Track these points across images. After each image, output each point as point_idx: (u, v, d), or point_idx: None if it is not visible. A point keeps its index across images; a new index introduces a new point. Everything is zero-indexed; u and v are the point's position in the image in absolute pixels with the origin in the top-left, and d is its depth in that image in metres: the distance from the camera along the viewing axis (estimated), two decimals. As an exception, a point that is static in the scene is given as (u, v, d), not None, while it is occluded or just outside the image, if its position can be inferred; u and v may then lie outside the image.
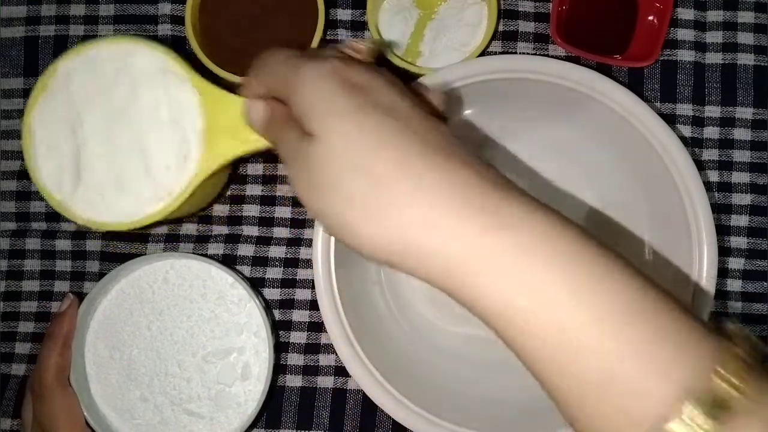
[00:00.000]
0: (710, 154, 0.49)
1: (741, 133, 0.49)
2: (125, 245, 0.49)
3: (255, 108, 0.33)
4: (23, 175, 0.50)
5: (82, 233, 0.50)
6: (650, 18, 0.48)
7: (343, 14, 0.50)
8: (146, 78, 0.38)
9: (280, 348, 0.49)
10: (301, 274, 0.49)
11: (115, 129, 0.38)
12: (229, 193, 0.50)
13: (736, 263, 0.49)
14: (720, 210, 0.49)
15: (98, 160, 0.38)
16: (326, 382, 0.49)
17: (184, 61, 0.39)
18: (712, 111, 0.49)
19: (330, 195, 0.27)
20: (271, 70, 0.32)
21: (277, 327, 0.49)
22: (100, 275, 0.48)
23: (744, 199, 0.49)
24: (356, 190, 0.27)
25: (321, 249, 0.42)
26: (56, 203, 0.39)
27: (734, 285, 0.49)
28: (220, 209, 0.50)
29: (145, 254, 0.48)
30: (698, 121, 0.49)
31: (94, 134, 0.38)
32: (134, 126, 0.38)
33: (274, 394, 0.48)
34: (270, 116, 0.32)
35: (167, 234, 0.50)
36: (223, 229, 0.49)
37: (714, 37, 0.49)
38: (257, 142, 0.36)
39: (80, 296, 0.46)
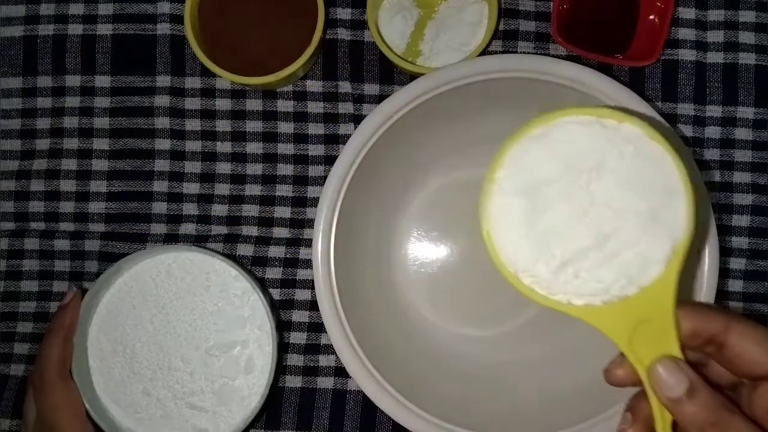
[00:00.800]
0: (711, 154, 0.49)
1: (742, 133, 0.49)
2: (124, 245, 0.49)
3: (693, 390, 0.27)
4: (22, 174, 0.50)
5: (80, 233, 0.50)
6: (651, 17, 0.48)
7: (343, 13, 0.50)
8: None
9: (280, 348, 0.49)
10: (301, 274, 0.49)
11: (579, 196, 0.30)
12: (228, 193, 0.50)
13: (737, 263, 0.49)
14: (721, 210, 0.49)
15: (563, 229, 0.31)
16: (326, 383, 0.48)
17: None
18: (714, 111, 0.49)
19: None
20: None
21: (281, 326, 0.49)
22: (99, 275, 0.47)
23: (745, 199, 0.49)
24: None
25: (321, 249, 0.42)
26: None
27: (735, 285, 0.49)
28: (220, 209, 0.49)
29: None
30: (699, 121, 0.49)
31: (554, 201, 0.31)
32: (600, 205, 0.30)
33: (277, 388, 0.48)
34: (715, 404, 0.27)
35: (166, 234, 0.49)
36: (222, 229, 0.49)
37: (715, 36, 0.49)
38: (640, 369, 0.29)
39: (82, 291, 0.46)
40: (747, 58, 0.49)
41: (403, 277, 0.47)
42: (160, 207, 0.50)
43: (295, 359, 0.49)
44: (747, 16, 0.49)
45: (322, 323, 0.42)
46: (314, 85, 0.49)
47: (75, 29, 0.50)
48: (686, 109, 0.49)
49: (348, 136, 0.42)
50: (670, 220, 0.29)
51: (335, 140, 0.49)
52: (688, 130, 0.49)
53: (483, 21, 0.47)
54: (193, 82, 0.50)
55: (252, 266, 0.49)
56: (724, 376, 0.30)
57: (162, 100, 0.50)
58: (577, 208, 0.30)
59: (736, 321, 0.28)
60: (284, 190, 0.49)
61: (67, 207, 0.50)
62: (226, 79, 0.46)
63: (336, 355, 0.42)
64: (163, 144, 0.50)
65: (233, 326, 0.46)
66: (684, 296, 0.40)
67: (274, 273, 0.49)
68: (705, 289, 0.41)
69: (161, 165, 0.50)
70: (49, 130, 0.50)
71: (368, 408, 0.48)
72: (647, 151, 0.30)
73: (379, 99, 0.49)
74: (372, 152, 0.42)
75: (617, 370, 0.30)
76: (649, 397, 0.28)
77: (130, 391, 0.46)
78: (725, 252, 0.48)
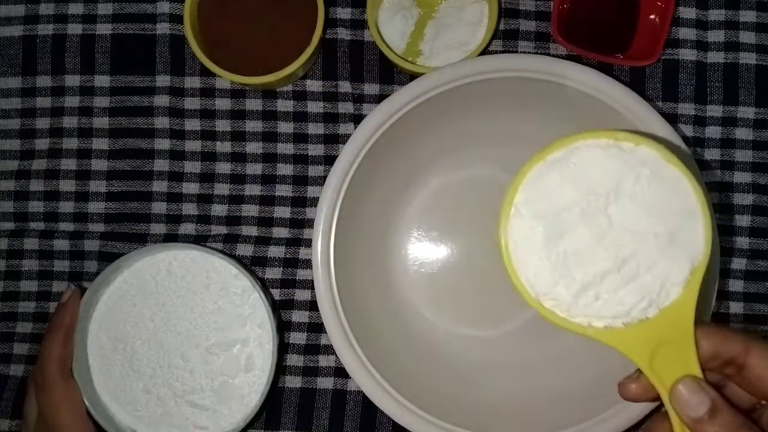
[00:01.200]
0: (712, 154, 0.49)
1: (743, 133, 0.49)
2: (123, 245, 0.49)
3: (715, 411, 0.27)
4: (21, 174, 0.50)
5: (80, 233, 0.49)
6: (652, 17, 0.48)
7: (343, 13, 0.49)
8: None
9: (280, 349, 0.48)
10: (301, 274, 0.49)
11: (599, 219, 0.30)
12: (228, 193, 0.49)
13: (738, 263, 0.49)
14: (722, 210, 0.49)
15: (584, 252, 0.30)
16: (326, 383, 0.48)
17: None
18: (714, 110, 0.49)
19: None
20: None
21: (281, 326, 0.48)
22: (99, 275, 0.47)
23: (746, 199, 0.49)
24: None
25: (321, 249, 0.41)
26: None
27: (736, 285, 0.49)
28: (219, 209, 0.49)
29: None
30: (700, 121, 0.49)
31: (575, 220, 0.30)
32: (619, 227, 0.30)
33: (277, 388, 0.48)
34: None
35: (166, 234, 0.49)
36: (222, 229, 0.49)
37: (716, 36, 0.49)
38: (663, 391, 0.29)
39: (81, 289, 0.45)
40: (748, 58, 0.49)
41: (403, 277, 0.47)
42: (159, 207, 0.49)
43: (295, 359, 0.48)
44: (747, 15, 0.49)
45: (322, 323, 0.42)
46: (314, 85, 0.49)
47: (74, 29, 0.50)
48: (687, 108, 0.49)
49: (348, 136, 0.42)
50: (688, 242, 0.29)
51: (335, 140, 0.49)
52: (688, 130, 0.49)
53: (483, 20, 0.47)
54: (192, 82, 0.50)
55: (252, 266, 0.49)
56: (743, 398, 0.31)
57: (161, 100, 0.49)
58: (596, 231, 0.30)
59: (756, 343, 0.28)
60: (284, 190, 0.49)
61: (66, 207, 0.50)
62: (225, 78, 0.46)
63: (336, 355, 0.42)
64: (163, 144, 0.50)
65: (233, 324, 0.46)
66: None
67: (273, 273, 0.49)
68: (705, 290, 0.41)
69: (161, 165, 0.50)
70: (48, 130, 0.50)
71: (368, 408, 0.48)
72: (664, 173, 0.30)
73: (379, 99, 0.49)
74: (372, 152, 0.42)
75: (631, 384, 0.30)
76: (671, 417, 0.29)
77: (130, 389, 0.46)
78: (726, 252, 0.48)
